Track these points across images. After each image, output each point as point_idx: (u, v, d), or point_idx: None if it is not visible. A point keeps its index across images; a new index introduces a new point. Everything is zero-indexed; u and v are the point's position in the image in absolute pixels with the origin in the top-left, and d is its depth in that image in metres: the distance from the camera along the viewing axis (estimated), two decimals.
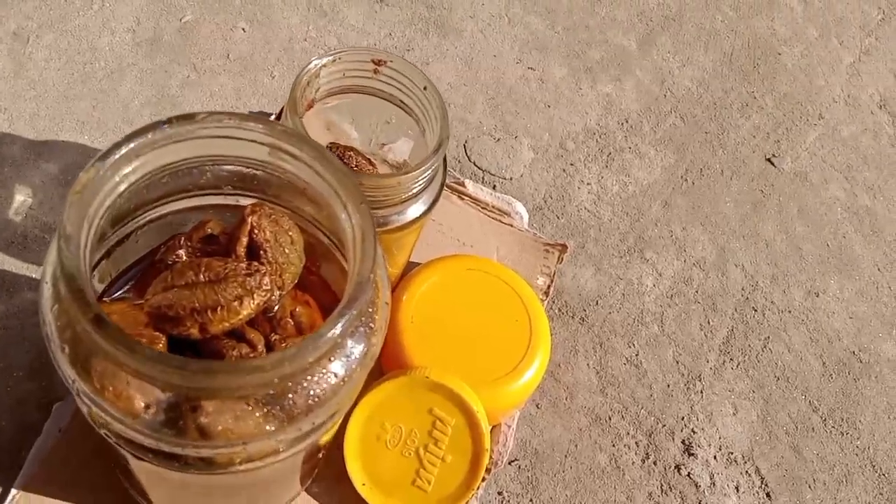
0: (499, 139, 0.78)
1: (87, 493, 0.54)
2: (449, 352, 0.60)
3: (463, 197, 0.73)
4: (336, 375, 0.36)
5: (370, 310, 0.38)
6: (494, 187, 0.75)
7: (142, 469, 0.44)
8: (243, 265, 0.40)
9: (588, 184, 0.78)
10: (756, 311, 0.76)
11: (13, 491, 0.54)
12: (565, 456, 0.65)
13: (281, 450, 0.39)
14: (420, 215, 0.52)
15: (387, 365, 0.61)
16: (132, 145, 0.34)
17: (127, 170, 0.34)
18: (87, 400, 0.35)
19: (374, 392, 0.58)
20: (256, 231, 0.42)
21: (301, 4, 0.81)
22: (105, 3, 0.75)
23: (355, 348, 0.37)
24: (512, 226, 0.73)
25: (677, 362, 0.71)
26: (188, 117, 0.35)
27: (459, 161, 0.76)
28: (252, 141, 0.37)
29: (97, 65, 0.69)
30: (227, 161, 0.39)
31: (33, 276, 0.61)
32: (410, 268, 0.65)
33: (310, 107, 0.51)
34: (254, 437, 0.36)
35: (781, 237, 0.80)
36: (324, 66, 0.50)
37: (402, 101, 0.53)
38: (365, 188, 0.47)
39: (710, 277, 0.76)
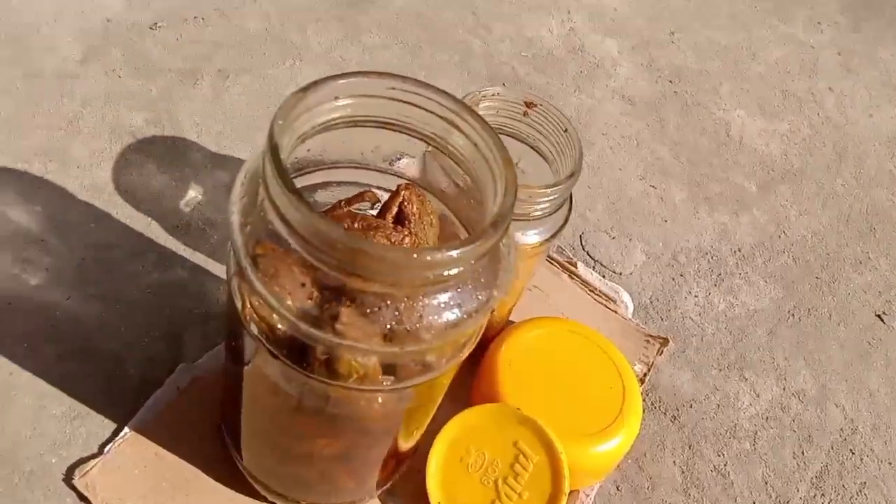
0: (614, 237, 0.83)
1: (188, 448, 0.57)
2: (540, 401, 0.61)
3: (573, 277, 0.77)
4: (459, 307, 0.40)
5: (495, 266, 0.42)
6: (604, 276, 0.79)
7: (257, 395, 0.47)
8: (391, 223, 0.45)
9: (695, 296, 0.81)
10: (854, 454, 0.74)
11: (126, 430, 0.58)
12: None
13: (387, 384, 0.42)
14: (539, 242, 0.56)
15: (478, 402, 0.63)
16: (339, 81, 0.41)
17: (328, 105, 0.41)
18: (248, 290, 0.40)
19: (465, 415, 0.60)
20: (406, 203, 0.47)
21: None
22: (295, 63, 0.88)
23: (478, 291, 0.41)
24: (616, 312, 0.76)
25: (766, 483, 0.69)
26: (381, 74, 0.42)
27: (574, 249, 0.80)
28: (432, 112, 0.44)
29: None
30: (402, 127, 0.45)
31: (187, 257, 0.68)
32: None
33: None
34: (371, 349, 0.39)
35: (886, 390, 0.79)
36: (484, 96, 0.57)
37: (538, 145, 0.59)
38: None
39: (809, 410, 0.75)
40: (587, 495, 0.64)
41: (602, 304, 0.76)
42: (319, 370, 0.41)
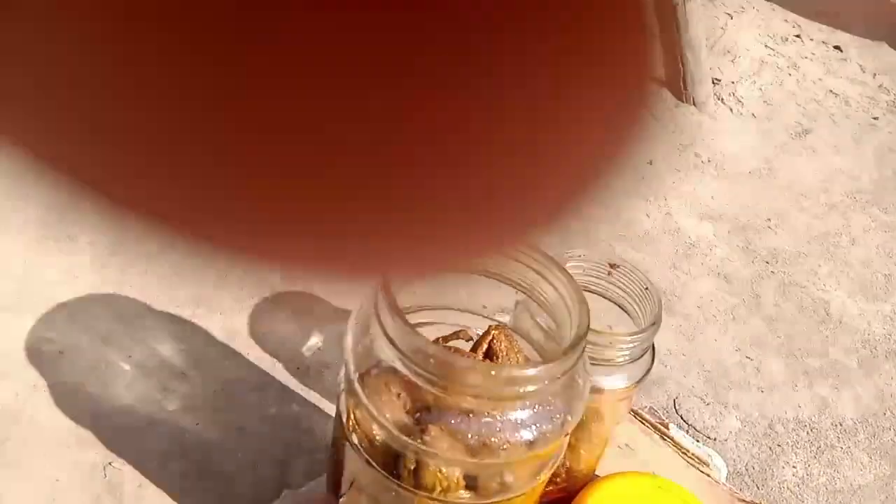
0: (708, 404, 0.84)
1: None
2: None
3: (665, 438, 0.78)
4: (535, 427, 0.44)
5: (570, 393, 0.47)
6: (697, 441, 0.79)
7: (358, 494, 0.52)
8: (481, 358, 0.52)
9: (793, 466, 0.79)
10: None
11: None
12: None
13: (467, 496, 0.47)
14: (624, 387, 0.60)
15: None
16: None
17: None
18: (354, 403, 0.47)
19: None
20: (495, 341, 0.53)
21: None
22: None
23: (554, 414, 0.45)
24: (709, 476, 0.75)
25: None
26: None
27: (668, 412, 0.82)
28: (526, 265, 0.51)
29: None
30: (499, 276, 0.52)
31: (303, 395, 0.76)
32: None
33: None
34: (454, 459, 0.44)
35: None
36: (570, 256, 0.64)
37: (621, 302, 0.64)
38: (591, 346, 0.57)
39: None
40: None
41: (694, 466, 0.76)
42: (408, 479, 0.46)
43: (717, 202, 1.16)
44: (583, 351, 0.46)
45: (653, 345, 0.63)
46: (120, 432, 0.70)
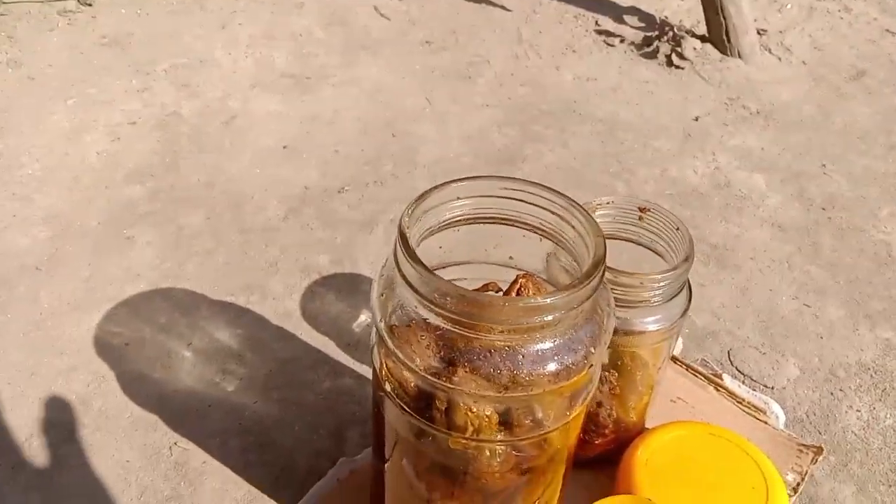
0: (764, 353, 0.82)
1: None
2: (678, 500, 0.62)
3: (719, 389, 0.77)
4: (558, 357, 0.45)
5: (594, 328, 0.47)
6: (754, 391, 0.78)
7: (394, 464, 0.54)
8: None
9: (857, 410, 0.77)
10: None
11: None
12: None
13: (501, 436, 0.47)
14: (660, 328, 0.59)
15: None
16: (458, 184, 0.50)
17: (450, 205, 0.50)
18: (385, 353, 0.48)
19: None
20: (523, 289, 0.54)
21: None
22: None
23: (576, 344, 0.46)
24: (766, 423, 0.74)
25: None
26: (494, 176, 0.52)
27: (722, 365, 0.81)
28: (542, 207, 0.52)
29: None
30: (516, 221, 0.53)
31: (355, 369, 0.78)
32: None
33: None
34: (481, 394, 0.45)
35: None
36: (599, 204, 0.63)
37: (654, 246, 0.63)
38: (613, 283, 0.57)
39: None
40: None
41: (751, 414, 0.75)
42: (441, 421, 0.47)
43: (768, 153, 1.13)
44: (600, 280, 0.46)
45: (689, 283, 0.62)
46: (183, 414, 0.74)
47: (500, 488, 0.52)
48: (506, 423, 0.49)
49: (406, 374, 0.48)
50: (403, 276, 0.45)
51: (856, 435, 0.75)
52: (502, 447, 0.50)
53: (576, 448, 0.68)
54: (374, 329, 0.50)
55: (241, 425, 0.73)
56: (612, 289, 0.58)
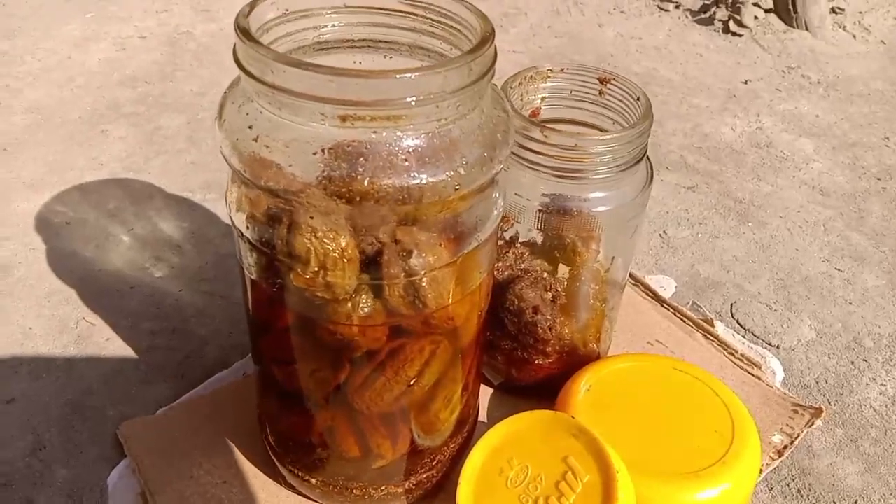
0: (776, 310, 0.69)
1: (230, 424, 0.55)
2: (617, 431, 0.50)
3: (708, 337, 0.65)
4: (423, 166, 0.35)
5: (471, 139, 0.38)
6: (752, 345, 0.65)
7: (257, 320, 0.46)
8: None
9: (882, 384, 0.63)
10: None
11: (183, 397, 0.58)
12: None
13: (348, 273, 0.38)
14: (605, 210, 0.49)
15: None
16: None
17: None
18: (239, 186, 0.41)
19: (511, 421, 0.51)
20: None
21: None
22: None
23: (452, 152, 0.36)
24: (759, 379, 0.61)
25: None
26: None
27: (720, 315, 0.69)
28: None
29: None
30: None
31: None
32: None
33: (535, 114, 0.54)
34: (324, 210, 0.37)
35: None
36: (551, 70, 0.53)
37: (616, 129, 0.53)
38: (544, 144, 0.47)
39: None
40: None
41: (743, 368, 0.62)
42: (282, 250, 0.39)
43: (824, 121, 0.99)
44: (488, 69, 0.37)
45: (649, 163, 0.52)
46: (102, 293, 0.67)
47: (363, 349, 0.42)
48: (370, 265, 0.40)
49: (259, 197, 0.40)
50: (244, 69, 0.37)
51: (875, 410, 0.61)
52: (368, 298, 0.41)
53: (517, 371, 0.58)
54: (228, 163, 0.42)
55: (158, 310, 0.66)
56: (544, 154, 0.48)
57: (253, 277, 0.43)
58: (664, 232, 0.79)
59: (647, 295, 0.69)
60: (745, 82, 1.07)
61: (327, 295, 0.40)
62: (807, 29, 1.17)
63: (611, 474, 0.46)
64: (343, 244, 0.39)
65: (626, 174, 0.49)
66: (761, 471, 0.55)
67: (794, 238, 0.79)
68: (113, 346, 0.63)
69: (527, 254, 0.56)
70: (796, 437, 0.57)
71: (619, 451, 0.48)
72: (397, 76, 0.35)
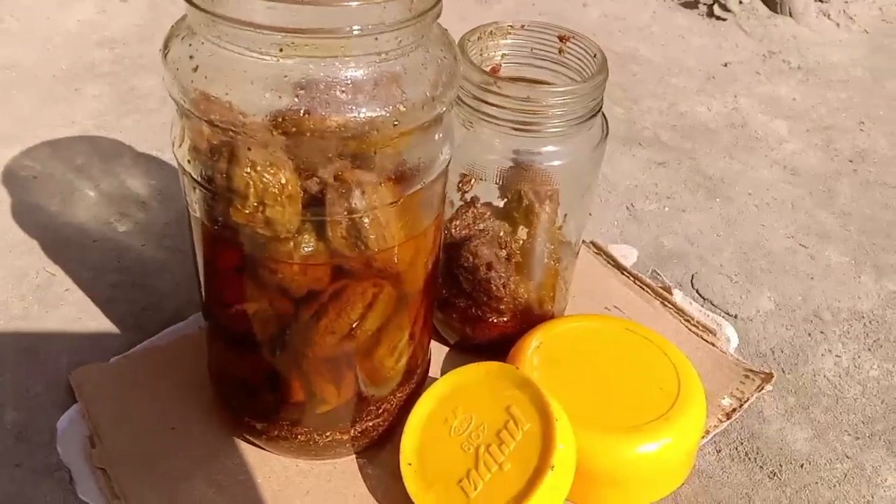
0: (736, 282, 0.70)
1: (182, 375, 0.56)
2: (565, 387, 0.51)
3: (665, 304, 0.65)
4: (365, 101, 0.36)
5: (417, 74, 0.38)
6: (708, 313, 0.65)
7: (203, 257, 0.46)
8: None
9: (837, 356, 0.64)
10: None
11: (137, 346, 0.58)
12: None
13: (289, 209, 0.39)
14: (560, 164, 0.49)
15: None
16: None
17: None
18: (184, 120, 0.41)
19: (458, 372, 0.51)
20: None
21: None
22: None
23: (395, 88, 0.36)
24: (714, 345, 0.62)
25: None
26: None
27: (680, 286, 0.69)
28: None
29: None
30: None
31: None
32: None
33: (495, 71, 0.54)
34: (259, 143, 0.37)
35: None
36: (511, 26, 0.53)
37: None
38: (497, 95, 0.47)
39: None
40: None
41: (697, 334, 0.63)
42: (221, 184, 0.39)
43: (801, 104, 0.99)
44: (426, 13, 0.37)
45: (604, 119, 0.52)
46: (64, 246, 0.67)
47: (305, 290, 0.42)
48: (313, 205, 0.40)
49: (201, 131, 0.40)
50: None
51: (828, 380, 0.62)
52: (310, 238, 0.41)
53: (471, 330, 0.58)
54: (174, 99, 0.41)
55: (119, 263, 0.66)
56: (500, 106, 0.48)
57: (196, 215, 0.43)
58: (631, 205, 0.79)
59: (609, 263, 0.69)
60: (725, 65, 1.07)
61: (268, 232, 0.40)
62: (791, 15, 1.17)
63: (550, 423, 0.46)
64: (283, 180, 0.39)
65: (581, 129, 0.49)
66: (708, 432, 0.55)
67: (760, 214, 0.79)
68: (72, 296, 0.63)
69: (487, 214, 0.57)
70: (745, 401, 0.57)
71: (565, 406, 0.48)
72: (337, 4, 0.35)
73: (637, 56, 1.07)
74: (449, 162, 0.44)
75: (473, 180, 0.55)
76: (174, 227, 0.70)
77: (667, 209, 0.79)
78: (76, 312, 0.62)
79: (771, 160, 0.88)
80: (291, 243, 0.41)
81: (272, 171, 0.38)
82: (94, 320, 0.61)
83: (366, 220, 0.41)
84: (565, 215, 0.54)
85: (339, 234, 0.41)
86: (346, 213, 0.40)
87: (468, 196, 0.57)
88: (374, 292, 0.44)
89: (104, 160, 0.78)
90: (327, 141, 0.38)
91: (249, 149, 0.38)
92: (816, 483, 0.54)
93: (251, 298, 0.44)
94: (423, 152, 0.41)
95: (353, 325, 0.44)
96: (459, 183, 0.56)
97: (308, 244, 0.41)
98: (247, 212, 0.39)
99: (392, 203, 0.41)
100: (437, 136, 0.42)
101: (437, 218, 0.46)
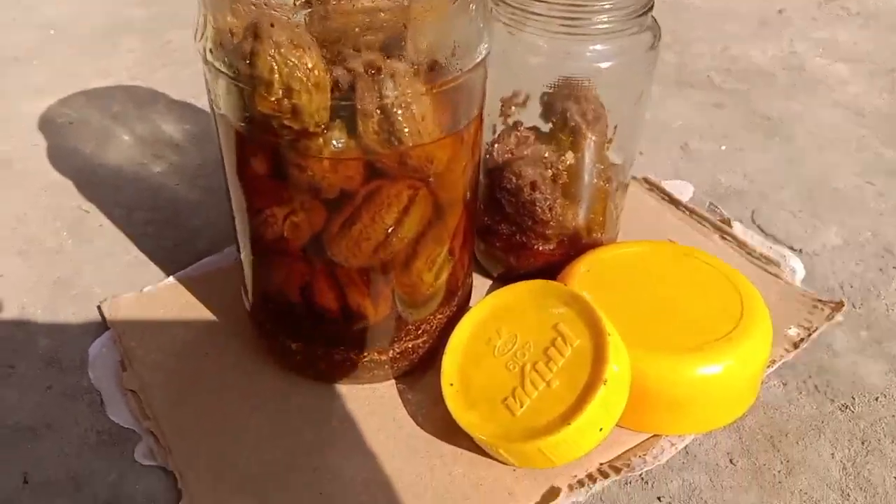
0: (800, 217, 0.65)
1: (216, 303, 0.54)
2: (617, 308, 0.47)
3: (726, 238, 0.61)
4: None
5: None
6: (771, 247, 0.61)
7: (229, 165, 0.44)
8: None
9: None
10: None
11: (170, 278, 0.56)
12: None
13: (316, 96, 0.36)
14: (608, 66, 0.45)
15: None
16: None
17: None
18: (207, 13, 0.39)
19: (501, 292, 0.48)
20: None
21: None
22: None
23: None
24: (778, 277, 0.57)
25: None
26: None
27: (742, 222, 0.64)
28: None
29: None
30: None
31: None
32: None
33: None
34: (287, 26, 0.34)
35: None
36: None
37: None
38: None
39: None
40: (672, 444, 0.46)
41: (761, 266, 0.58)
42: (245, 72, 0.37)
43: (862, 48, 0.94)
44: None
45: (656, 24, 0.48)
46: (99, 185, 0.66)
47: (336, 191, 0.40)
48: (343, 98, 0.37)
49: (223, 14, 0.38)
50: None
51: None
52: (341, 135, 0.38)
53: (515, 259, 0.55)
54: None
55: (153, 202, 0.65)
56: (545, 1, 0.45)
57: (221, 112, 0.41)
58: (686, 144, 0.75)
59: (663, 198, 0.66)
60: (780, 11, 1.02)
61: (296, 125, 0.38)
62: None
63: (602, 337, 0.43)
64: (309, 63, 0.36)
65: (631, 27, 0.46)
66: (774, 361, 0.51)
67: (824, 153, 0.74)
68: (105, 232, 0.61)
69: (531, 138, 0.53)
70: (814, 330, 0.53)
71: (620, 329, 0.45)
72: None
73: (687, 2, 1.03)
74: (487, 55, 0.41)
75: (515, 106, 0.52)
76: (209, 167, 0.69)
77: (723, 148, 0.74)
78: (110, 247, 0.60)
79: (833, 101, 0.83)
80: (321, 139, 0.38)
81: (297, 54, 0.36)
82: (128, 254, 0.59)
83: (399, 113, 0.38)
84: (615, 127, 0.50)
85: (372, 128, 0.38)
86: (377, 102, 0.37)
87: (511, 121, 0.54)
88: (410, 195, 0.41)
89: (139, 107, 0.76)
90: (353, 17, 0.35)
91: (272, 25, 0.35)
92: (893, 416, 0.49)
93: (282, 201, 0.41)
94: (459, 36, 0.38)
95: (389, 231, 0.41)
96: (502, 107, 0.53)
97: (339, 140, 0.38)
98: (272, 99, 0.37)
99: (426, 92, 0.38)
100: (471, 13, 0.39)
101: (477, 119, 0.43)
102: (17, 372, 0.50)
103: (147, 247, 0.60)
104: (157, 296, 0.55)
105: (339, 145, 0.39)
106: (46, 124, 0.73)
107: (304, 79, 0.36)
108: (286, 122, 0.38)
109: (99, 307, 0.54)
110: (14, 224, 0.62)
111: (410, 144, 0.39)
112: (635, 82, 0.49)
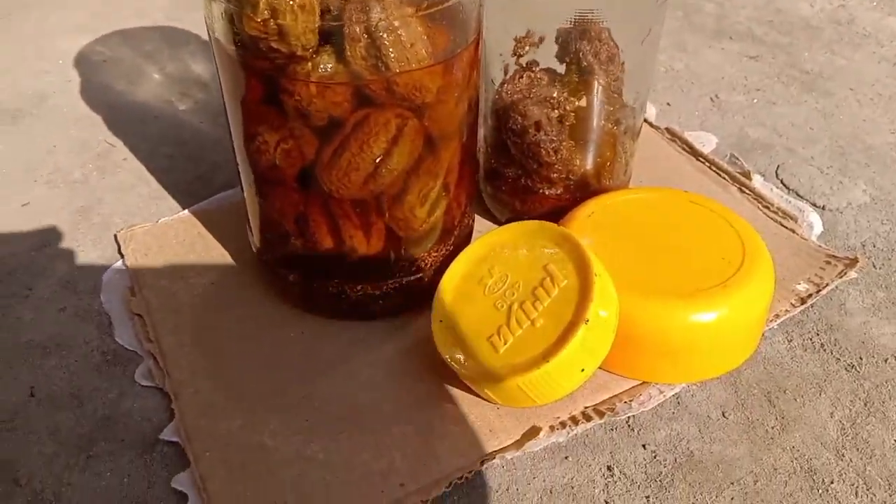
0: (827, 174, 0.63)
1: (227, 234, 0.56)
2: (617, 254, 0.47)
3: (743, 190, 0.59)
4: None
5: None
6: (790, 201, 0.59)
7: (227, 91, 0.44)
8: None
9: None
10: None
11: (185, 211, 0.58)
12: (731, 483, 0.42)
13: (302, 18, 0.36)
14: None
15: None
16: None
17: None
18: None
19: (496, 232, 0.48)
20: None
21: None
22: None
23: None
24: (794, 232, 0.56)
25: None
26: None
27: (765, 177, 0.62)
28: None
29: None
30: None
31: None
32: None
33: None
34: None
35: None
36: None
37: None
38: None
39: None
40: (661, 392, 0.45)
41: (777, 221, 0.57)
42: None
43: None
44: None
45: None
46: (126, 120, 0.68)
47: (325, 117, 0.40)
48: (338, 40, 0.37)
49: None
50: None
51: None
52: (329, 60, 0.39)
53: (521, 203, 0.55)
54: None
55: (177, 137, 0.66)
56: None
57: (216, 36, 0.42)
58: (716, 96, 0.72)
59: (684, 150, 0.64)
60: None
61: (283, 47, 0.38)
62: None
63: (588, 278, 0.42)
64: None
65: None
66: (778, 316, 0.50)
67: (862, 109, 0.71)
68: (129, 165, 0.63)
69: (545, 80, 0.53)
70: (824, 286, 0.51)
71: (615, 272, 0.45)
72: None
73: None
74: None
75: (529, 46, 0.51)
76: None
77: (755, 101, 0.72)
78: (132, 179, 0.62)
79: (879, 56, 0.79)
80: (310, 63, 0.39)
81: None
82: (148, 187, 0.61)
83: (385, 37, 0.38)
84: (622, 63, 0.49)
85: (359, 52, 0.38)
86: (364, 25, 0.37)
87: (524, 61, 0.53)
88: (398, 124, 0.41)
89: (171, 47, 0.78)
90: None
91: None
92: None
93: (274, 128, 0.42)
94: None
95: (377, 161, 0.41)
96: (515, 46, 0.52)
97: (327, 64, 0.39)
98: (258, 20, 0.37)
99: (414, 15, 0.37)
100: None
101: (471, 48, 0.43)
102: (35, 294, 0.52)
103: (168, 180, 0.62)
104: (171, 226, 0.56)
105: (327, 70, 0.39)
106: (81, 62, 0.76)
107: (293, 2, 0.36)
108: (273, 45, 0.38)
109: (115, 236, 0.56)
110: (43, 154, 0.64)
111: (397, 70, 0.39)
112: (645, 18, 0.47)
